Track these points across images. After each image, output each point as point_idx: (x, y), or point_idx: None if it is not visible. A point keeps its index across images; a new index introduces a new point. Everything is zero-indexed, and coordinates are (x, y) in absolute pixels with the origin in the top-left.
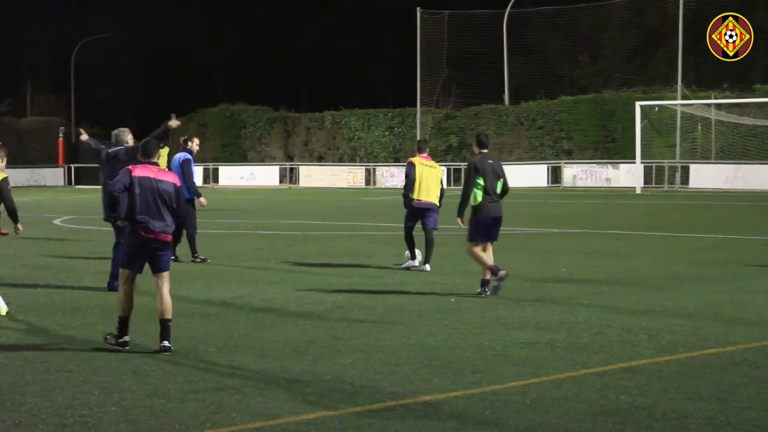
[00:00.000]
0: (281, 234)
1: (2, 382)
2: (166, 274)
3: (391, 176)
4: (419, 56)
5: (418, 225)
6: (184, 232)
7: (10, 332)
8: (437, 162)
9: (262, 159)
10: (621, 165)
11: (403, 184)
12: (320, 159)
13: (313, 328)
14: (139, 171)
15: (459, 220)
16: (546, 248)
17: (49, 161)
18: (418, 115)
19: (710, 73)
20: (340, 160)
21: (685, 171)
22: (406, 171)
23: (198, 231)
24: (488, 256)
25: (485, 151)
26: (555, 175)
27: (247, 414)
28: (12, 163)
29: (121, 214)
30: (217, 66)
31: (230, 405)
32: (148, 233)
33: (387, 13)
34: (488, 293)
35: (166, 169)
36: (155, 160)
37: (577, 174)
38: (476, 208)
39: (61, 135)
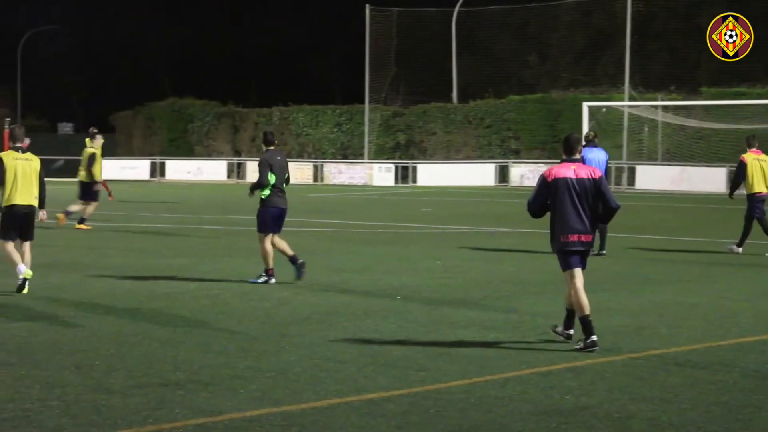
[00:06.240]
0: (228, 229)
1: None
2: None
3: (339, 173)
4: (368, 53)
5: None
6: None
7: None
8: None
9: (209, 154)
10: None
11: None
12: None
13: (258, 324)
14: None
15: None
16: (492, 247)
17: None
18: (366, 113)
19: (657, 75)
20: (288, 156)
21: (632, 172)
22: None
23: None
24: (282, 244)
25: (272, 147)
26: (503, 174)
27: (190, 410)
28: None
29: None
30: (163, 59)
31: (173, 401)
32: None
33: (336, 10)
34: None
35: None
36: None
37: (525, 173)
38: (264, 201)
39: (6, 126)
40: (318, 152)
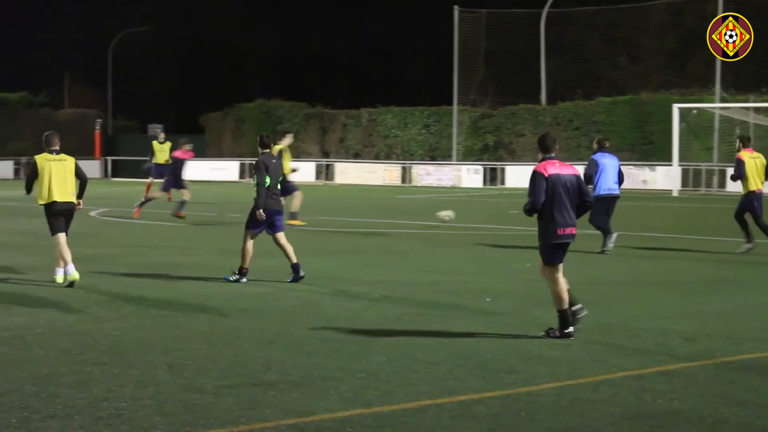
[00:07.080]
0: (316, 230)
1: (38, 373)
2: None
3: (427, 174)
4: (456, 55)
5: None
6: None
7: (45, 324)
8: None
9: (297, 155)
10: (658, 167)
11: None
12: (356, 156)
13: (348, 325)
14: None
15: (259, 212)
16: (582, 249)
17: (86, 153)
18: (455, 114)
19: (748, 77)
20: (376, 157)
21: (723, 174)
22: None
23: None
24: (288, 248)
25: (267, 150)
26: None
27: (281, 410)
28: None
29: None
30: (253, 61)
31: (265, 401)
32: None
33: (425, 11)
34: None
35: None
36: (56, 148)
37: None
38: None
39: (98, 127)
40: (406, 154)
